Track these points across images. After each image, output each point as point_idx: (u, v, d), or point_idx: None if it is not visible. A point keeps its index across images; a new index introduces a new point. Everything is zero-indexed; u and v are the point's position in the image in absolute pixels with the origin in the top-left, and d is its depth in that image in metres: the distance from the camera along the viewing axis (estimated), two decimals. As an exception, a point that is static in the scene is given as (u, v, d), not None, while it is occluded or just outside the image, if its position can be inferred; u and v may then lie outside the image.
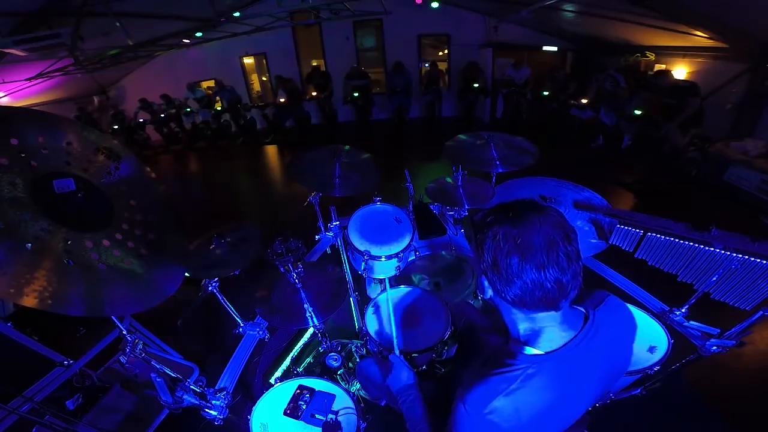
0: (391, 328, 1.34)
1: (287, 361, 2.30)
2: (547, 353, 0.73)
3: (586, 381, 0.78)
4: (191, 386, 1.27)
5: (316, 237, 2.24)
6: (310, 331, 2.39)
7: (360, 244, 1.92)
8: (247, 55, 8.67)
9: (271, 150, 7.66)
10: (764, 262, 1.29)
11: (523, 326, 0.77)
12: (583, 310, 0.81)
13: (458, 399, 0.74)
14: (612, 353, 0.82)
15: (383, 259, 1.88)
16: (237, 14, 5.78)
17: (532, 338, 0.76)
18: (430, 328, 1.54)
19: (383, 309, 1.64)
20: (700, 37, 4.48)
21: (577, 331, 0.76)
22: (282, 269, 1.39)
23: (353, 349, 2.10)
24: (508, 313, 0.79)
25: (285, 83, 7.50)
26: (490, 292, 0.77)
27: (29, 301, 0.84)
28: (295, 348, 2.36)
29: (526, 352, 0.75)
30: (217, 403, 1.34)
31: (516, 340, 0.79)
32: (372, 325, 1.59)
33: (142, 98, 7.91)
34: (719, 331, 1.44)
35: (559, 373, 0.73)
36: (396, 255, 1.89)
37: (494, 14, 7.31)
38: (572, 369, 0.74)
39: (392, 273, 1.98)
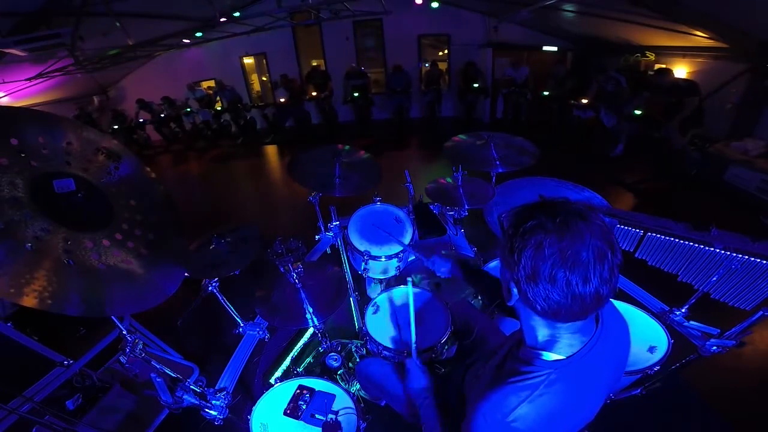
0: (410, 333, 1.33)
1: (287, 361, 2.30)
2: (568, 357, 0.72)
3: (601, 381, 0.78)
4: (191, 386, 1.27)
5: (316, 237, 2.24)
6: (310, 331, 2.39)
7: (360, 244, 1.92)
8: (247, 55, 8.67)
9: (271, 150, 7.66)
10: (764, 262, 1.29)
11: (542, 333, 0.75)
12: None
13: (474, 411, 0.72)
14: (618, 351, 0.82)
15: (383, 259, 1.88)
16: (237, 14, 5.77)
17: (550, 344, 0.74)
18: (430, 328, 1.54)
19: (396, 311, 1.64)
20: (700, 37, 4.48)
21: (591, 333, 0.75)
22: (282, 269, 1.39)
23: (353, 349, 2.10)
24: (528, 319, 0.76)
25: (289, 82, 7.53)
26: (515, 299, 0.72)
27: (29, 301, 0.84)
28: (295, 348, 2.36)
29: (544, 358, 0.73)
30: (217, 403, 1.34)
31: (532, 347, 0.76)
32: (381, 328, 1.58)
33: (139, 99, 7.90)
34: (719, 331, 1.44)
35: (580, 376, 0.72)
36: (396, 255, 1.89)
37: (494, 14, 7.31)
38: (590, 371, 0.74)
39: (392, 273, 1.98)
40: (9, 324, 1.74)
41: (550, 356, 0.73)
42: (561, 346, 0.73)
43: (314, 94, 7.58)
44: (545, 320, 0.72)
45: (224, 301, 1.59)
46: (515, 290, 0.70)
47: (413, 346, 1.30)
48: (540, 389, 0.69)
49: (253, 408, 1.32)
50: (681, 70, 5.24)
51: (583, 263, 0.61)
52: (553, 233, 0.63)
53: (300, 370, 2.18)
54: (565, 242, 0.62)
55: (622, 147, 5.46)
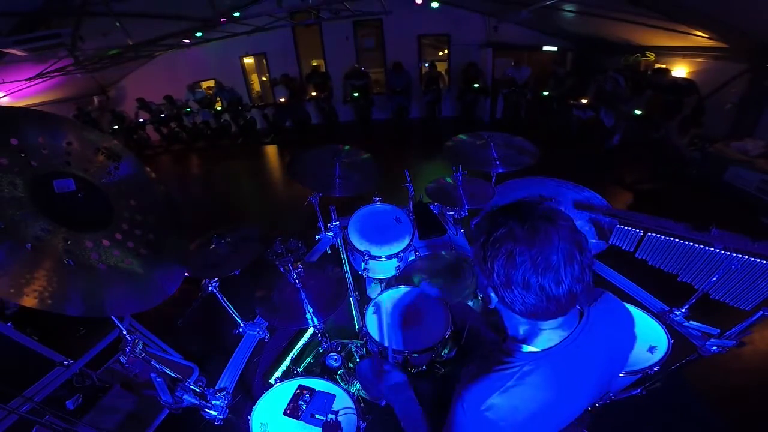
0: (386, 337, 1.34)
1: (287, 361, 2.30)
2: (543, 350, 0.74)
3: (583, 378, 0.78)
4: (191, 386, 1.27)
5: (316, 237, 2.24)
6: (310, 331, 2.39)
7: (360, 244, 1.92)
8: (247, 55, 8.67)
9: (271, 150, 7.66)
10: (764, 262, 1.29)
11: (523, 328, 0.77)
12: (578, 307, 0.81)
13: (456, 398, 0.75)
14: (608, 350, 0.82)
15: (383, 259, 1.88)
16: (237, 14, 5.78)
17: (529, 337, 0.77)
18: (431, 328, 1.54)
19: (381, 317, 1.63)
20: (700, 37, 4.48)
21: (573, 328, 0.76)
22: (282, 269, 1.39)
23: (353, 349, 2.10)
24: (510, 319, 0.79)
25: (290, 82, 7.52)
26: (494, 302, 0.75)
27: (29, 301, 0.84)
28: (295, 348, 2.36)
29: (523, 350, 0.76)
30: (217, 403, 1.34)
31: (514, 338, 0.79)
32: (372, 329, 1.58)
33: (139, 98, 7.90)
34: (719, 331, 1.44)
35: (556, 371, 0.73)
36: (396, 255, 1.89)
37: (494, 14, 7.31)
38: (569, 366, 0.75)
39: (392, 273, 1.98)
40: (9, 324, 1.75)
41: (528, 348, 0.76)
42: (540, 340, 0.75)
43: (314, 94, 7.58)
44: (526, 319, 0.74)
45: (224, 301, 1.59)
46: (493, 295, 0.73)
47: (390, 352, 1.30)
48: (513, 380, 0.71)
49: (253, 408, 1.32)
50: (681, 70, 5.24)
51: (554, 267, 0.64)
52: (523, 241, 0.65)
53: (300, 370, 2.18)
54: (535, 249, 0.64)
55: (619, 137, 5.51)
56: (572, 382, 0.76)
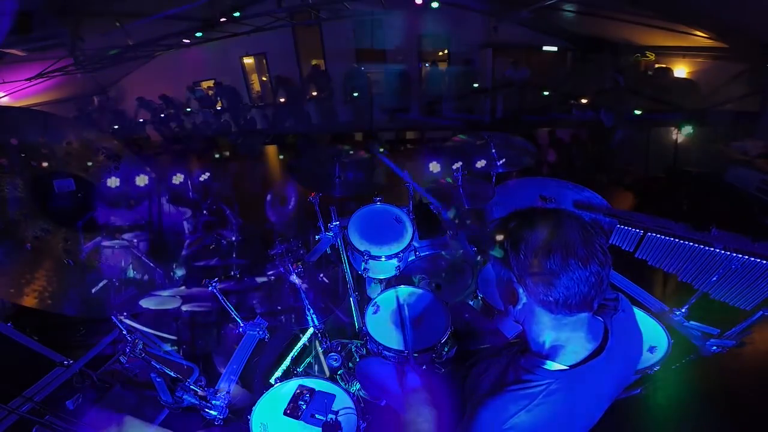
0: (406, 339, 1.34)
1: (287, 361, 2.29)
2: (570, 368, 0.72)
3: (603, 391, 0.78)
4: (191, 386, 1.27)
5: (316, 237, 2.24)
6: (310, 331, 2.39)
7: (360, 244, 1.92)
8: (247, 55, 8.66)
9: (271, 150, 7.66)
10: (764, 262, 1.29)
11: (549, 338, 0.75)
12: (602, 320, 0.79)
13: (474, 416, 0.72)
14: (625, 362, 0.82)
15: (383, 259, 1.88)
16: (237, 14, 5.78)
17: (554, 351, 0.74)
18: (430, 329, 1.54)
19: (396, 311, 1.63)
20: (700, 37, 4.48)
21: (598, 341, 0.75)
22: (282, 269, 1.40)
23: (353, 349, 2.10)
24: (535, 323, 0.76)
25: (285, 82, 7.52)
26: (523, 302, 0.74)
27: (29, 301, 0.85)
28: (295, 348, 2.36)
29: (547, 367, 0.73)
30: (217, 403, 1.34)
31: (537, 353, 0.77)
32: (381, 328, 1.58)
33: (139, 97, 7.91)
34: (719, 331, 1.44)
35: (580, 387, 0.72)
36: (396, 255, 1.89)
37: (494, 14, 7.31)
38: (592, 382, 0.74)
39: (392, 273, 1.98)
40: (9, 324, 1.75)
41: (553, 366, 0.73)
42: (566, 354, 0.73)
43: (314, 94, 7.59)
44: (552, 315, 0.72)
45: (224, 301, 1.59)
46: (521, 290, 0.74)
47: (411, 351, 1.30)
48: (539, 399, 0.69)
49: (253, 408, 1.32)
50: (681, 70, 5.24)
51: (576, 243, 0.68)
52: (540, 225, 0.71)
53: (300, 370, 2.18)
54: (553, 229, 0.70)
55: (621, 133, 5.51)
56: (594, 395, 0.76)
